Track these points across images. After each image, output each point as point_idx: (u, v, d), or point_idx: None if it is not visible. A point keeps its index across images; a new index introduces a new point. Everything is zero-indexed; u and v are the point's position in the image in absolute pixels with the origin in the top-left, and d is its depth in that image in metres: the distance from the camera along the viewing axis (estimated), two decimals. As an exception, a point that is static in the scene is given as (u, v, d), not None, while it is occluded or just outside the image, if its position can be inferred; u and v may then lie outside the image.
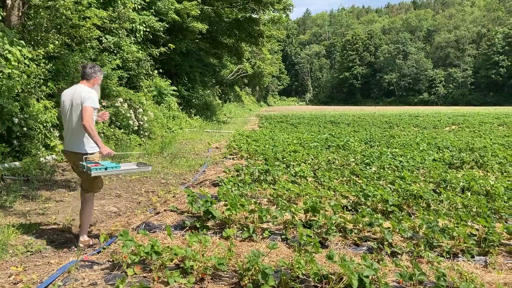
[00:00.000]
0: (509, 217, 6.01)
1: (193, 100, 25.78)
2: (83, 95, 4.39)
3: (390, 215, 5.71)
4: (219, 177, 7.72)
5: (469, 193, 6.80)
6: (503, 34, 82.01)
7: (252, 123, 28.43)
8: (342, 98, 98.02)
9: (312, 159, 9.70)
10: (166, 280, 3.47)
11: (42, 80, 10.00)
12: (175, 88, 20.19)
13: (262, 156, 9.61)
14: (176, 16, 20.23)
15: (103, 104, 12.91)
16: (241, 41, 28.78)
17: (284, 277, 3.51)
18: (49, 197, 6.48)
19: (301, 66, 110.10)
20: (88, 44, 12.24)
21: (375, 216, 5.04)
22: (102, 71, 4.84)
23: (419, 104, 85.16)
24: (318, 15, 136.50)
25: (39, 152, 9.16)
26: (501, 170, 9.27)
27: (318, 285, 3.59)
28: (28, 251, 4.23)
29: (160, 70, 20.33)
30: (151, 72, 18.66)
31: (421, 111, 45.90)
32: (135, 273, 3.55)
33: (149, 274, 3.59)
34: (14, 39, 8.86)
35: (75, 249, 4.40)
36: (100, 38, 14.23)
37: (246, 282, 3.45)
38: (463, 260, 4.47)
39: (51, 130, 9.87)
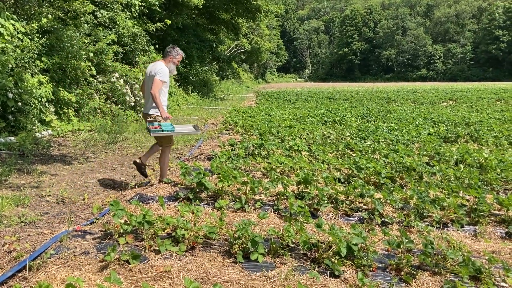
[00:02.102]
0: (501, 188, 6.08)
1: (190, 77, 25.60)
2: (157, 70, 5.46)
3: (383, 187, 5.76)
4: (213, 151, 7.74)
5: (462, 166, 6.84)
6: (504, 8, 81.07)
7: (250, 99, 28.32)
8: (341, 75, 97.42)
9: (308, 134, 9.72)
10: (157, 248, 3.53)
11: (36, 55, 9.92)
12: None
13: (257, 131, 9.61)
14: (172, -10, 19.93)
15: (99, 79, 12.85)
16: (238, 16, 28.38)
17: (274, 245, 3.56)
18: (44, 171, 6.51)
19: (300, 42, 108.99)
20: (83, 18, 12.09)
21: (367, 187, 5.08)
22: (179, 52, 5.76)
23: (417, 80, 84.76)
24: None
25: (34, 127, 9.16)
26: (496, 144, 9.31)
27: (307, 253, 3.64)
28: (22, 222, 4.27)
29: (157, 46, 20.12)
30: (147, 48, 18.46)
31: (419, 87, 45.72)
32: (127, 242, 3.61)
33: (141, 243, 3.64)
34: (7, 13, 8.76)
35: (72, 220, 4.45)
36: (95, 13, 14.06)
37: (236, 249, 3.51)
38: (453, 230, 4.54)
39: (46, 105, 9.84)
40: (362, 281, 3.07)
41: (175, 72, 5.93)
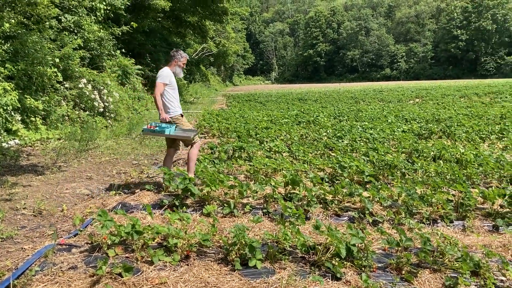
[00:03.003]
0: (480, 182, 6.17)
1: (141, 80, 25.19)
2: (158, 74, 5.69)
3: (367, 186, 5.75)
4: (192, 155, 7.56)
5: (441, 162, 6.92)
6: (461, 8, 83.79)
7: (220, 102, 28.14)
8: (307, 76, 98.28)
9: (285, 135, 9.66)
10: (150, 259, 3.36)
11: (-1, 61, 9.48)
12: (140, 67, 19.63)
13: (235, 133, 9.48)
14: (137, -7, 19.57)
15: (66, 85, 12.42)
16: (205, 18, 28.21)
17: (271, 250, 3.45)
18: (15, 182, 6.18)
19: (266, 44, 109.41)
20: (47, 23, 11.66)
21: (354, 186, 5.04)
22: (183, 54, 5.88)
23: (381, 80, 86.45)
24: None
25: (0, 137, 8.72)
26: (468, 139, 9.49)
27: (305, 256, 3.55)
28: (-1, 237, 4.01)
29: (123, 50, 19.71)
30: (113, 52, 18.04)
31: (384, 86, 46.58)
32: (117, 254, 3.42)
33: (132, 254, 3.47)
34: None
35: (49, 233, 4.20)
36: (59, 17, 13.60)
37: (234, 257, 3.38)
38: (442, 226, 4.55)
39: (12, 113, 9.40)
40: (367, 282, 3.00)
41: (182, 75, 6.03)
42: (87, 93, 12.53)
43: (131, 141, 10.60)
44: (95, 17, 16.24)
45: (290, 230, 3.60)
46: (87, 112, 12.37)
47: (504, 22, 79.45)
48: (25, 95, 10.00)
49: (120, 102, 15.23)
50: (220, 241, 3.69)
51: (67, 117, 11.84)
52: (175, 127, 5.67)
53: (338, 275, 3.20)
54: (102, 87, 13.40)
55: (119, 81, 17.15)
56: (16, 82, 9.85)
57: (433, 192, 5.06)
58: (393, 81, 78.51)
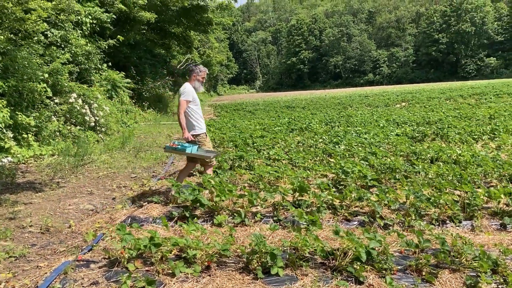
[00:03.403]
0: (481, 182, 6.27)
1: (143, 93, 25.08)
2: (181, 91, 5.68)
3: (371, 190, 5.79)
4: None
5: (440, 163, 7.01)
6: (441, 12, 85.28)
7: (208, 113, 28.11)
8: (291, 84, 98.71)
9: (281, 143, 9.69)
10: (171, 271, 3.34)
11: (-11, 79, 9.36)
12: (129, 80, 19.55)
13: (232, 143, 9.48)
14: (122, 6, 19.51)
15: (56, 101, 12.30)
16: (189, 29, 28.20)
17: (291, 257, 3.46)
18: (16, 200, 6.08)
19: (249, 53, 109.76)
20: (35, 38, 11.55)
21: (361, 190, 5.08)
22: (201, 69, 5.79)
23: (365, 85, 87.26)
24: (262, 1, 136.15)
25: (-7, 156, 8.59)
26: (461, 140, 9.64)
27: (324, 261, 3.56)
28: (10, 256, 3.93)
29: (110, 64, 19.61)
30: (99, 66, 17.93)
31: (369, 91, 46.99)
32: (137, 268, 3.39)
33: (151, 267, 3.44)
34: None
35: (60, 250, 4.15)
36: (45, 32, 13.49)
37: (255, 265, 3.37)
38: (452, 226, 4.60)
39: (4, 131, 9.27)
40: (392, 285, 3.02)
41: (202, 89, 5.91)
42: (78, 108, 12.42)
43: (126, 154, 10.53)
44: (81, 31, 16.16)
45: (308, 237, 3.61)
46: (78, 127, 12.25)
47: (482, 24, 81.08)
48: (16, 112, 9.88)
49: (109, 116, 15.13)
50: (238, 250, 3.68)
51: (58, 133, 11.71)
52: (198, 147, 5.60)
53: (361, 279, 3.21)
54: (92, 101, 13.30)
55: (108, 95, 17.07)
56: (7, 98, 9.73)
57: (438, 193, 5.13)
58: (376, 86, 79.37)
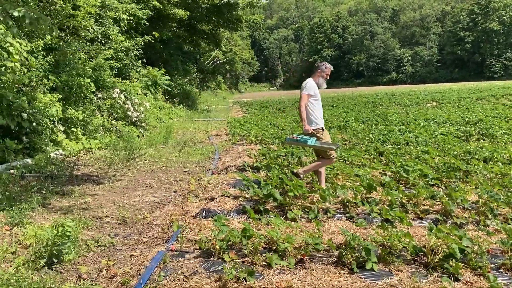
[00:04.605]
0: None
1: (173, 90, 25.35)
2: (303, 85, 5.82)
3: (448, 188, 5.76)
4: (245, 162, 7.61)
5: (500, 163, 6.94)
6: (467, 11, 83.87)
7: (235, 110, 28.24)
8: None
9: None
10: (266, 263, 3.41)
11: (43, 73, 9.60)
12: (169, 77, 19.77)
13: (277, 140, 9.54)
14: (157, 3, 19.77)
15: (99, 96, 12.54)
16: (219, 27, 28.37)
17: (383, 252, 3.50)
18: (81, 192, 6.24)
19: (270, 51, 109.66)
20: (82, 34, 11.80)
21: (431, 189, 5.08)
22: (327, 66, 5.91)
23: (388, 84, 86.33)
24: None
25: (48, 148, 8.83)
26: (509, 140, 9.51)
27: (415, 258, 3.59)
28: (99, 245, 4.07)
29: (144, 60, 19.87)
30: (134, 62, 18.19)
31: (395, 90, 46.50)
32: (232, 259, 3.47)
33: (245, 259, 3.52)
34: (15, 29, 8.46)
35: (144, 240, 4.27)
36: (87, 28, 13.77)
37: (351, 259, 3.42)
38: (527, 226, 4.56)
39: (56, 124, 9.52)
40: (496, 283, 3.04)
41: (325, 86, 5.96)
42: (121, 103, 12.66)
43: (170, 149, 10.68)
44: (119, 28, 16.42)
45: (398, 233, 3.64)
46: (123, 122, 12.48)
47: (511, 23, 79.40)
48: (66, 106, 10.13)
49: (148, 111, 15.35)
50: (325, 244, 3.73)
51: (101, 127, 11.95)
52: (316, 139, 5.68)
53: (459, 277, 3.24)
54: (134, 97, 13.52)
55: (146, 91, 17.30)
56: (58, 93, 9.98)
57: (508, 192, 5.10)
58: (400, 85, 78.48)
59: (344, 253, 3.49)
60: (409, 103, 25.02)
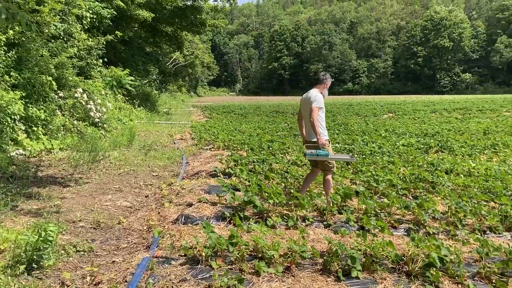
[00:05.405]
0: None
1: (133, 91, 24.92)
2: (312, 97, 5.58)
3: (418, 198, 5.96)
4: (216, 167, 7.59)
5: (462, 175, 7.27)
6: (421, 27, 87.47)
7: (196, 114, 28.06)
8: (272, 89, 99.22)
9: (294, 148, 9.86)
10: (254, 271, 3.43)
11: (4, 69, 9.21)
12: (133, 78, 19.37)
13: (246, 146, 9.58)
14: (121, 3, 19.39)
15: (60, 95, 12.14)
16: (182, 29, 28.16)
17: (367, 261, 3.60)
18: (49, 195, 6.02)
19: (230, 56, 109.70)
20: (46, 31, 11.39)
21: (402, 199, 5.27)
22: (329, 77, 5.94)
23: (344, 94, 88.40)
24: (245, 5, 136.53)
25: (8, 147, 8.46)
26: (466, 153, 9.97)
27: (395, 266, 3.71)
28: (78, 250, 3.95)
29: (105, 59, 19.41)
30: (95, 61, 17.74)
31: (350, 100, 47.62)
32: (220, 266, 3.47)
33: (232, 266, 3.52)
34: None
35: (123, 246, 4.18)
36: (51, 25, 13.31)
37: (337, 267, 3.50)
38: (493, 236, 4.82)
39: (17, 123, 9.14)
40: (474, 290, 3.19)
41: (326, 96, 5.88)
42: (83, 103, 12.31)
43: (135, 152, 10.48)
44: (81, 26, 15.99)
45: (377, 242, 3.76)
46: (85, 123, 12.14)
47: (460, 41, 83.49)
48: (28, 104, 9.75)
49: (109, 112, 15.00)
50: (310, 252, 3.79)
51: (62, 127, 11.57)
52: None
53: (440, 285, 3.38)
54: (96, 97, 13.19)
55: (109, 92, 16.89)
56: (20, 90, 9.59)
57: (477, 204, 5.36)
58: (356, 95, 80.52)
59: (329, 261, 3.56)
60: (367, 113, 25.74)
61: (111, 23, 19.75)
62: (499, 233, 4.85)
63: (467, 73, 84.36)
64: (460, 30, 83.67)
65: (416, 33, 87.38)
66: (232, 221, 4.72)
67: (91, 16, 16.33)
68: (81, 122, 12.43)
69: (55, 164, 8.47)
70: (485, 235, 4.83)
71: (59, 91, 12.08)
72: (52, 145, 9.83)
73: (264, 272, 3.41)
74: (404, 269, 3.64)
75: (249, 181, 6.15)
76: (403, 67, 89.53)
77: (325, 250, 3.90)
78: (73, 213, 5.22)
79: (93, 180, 7.36)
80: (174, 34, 28.87)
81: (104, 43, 17.65)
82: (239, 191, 5.77)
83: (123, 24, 21.82)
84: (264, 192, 5.12)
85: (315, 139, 5.56)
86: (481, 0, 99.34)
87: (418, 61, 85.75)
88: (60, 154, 9.40)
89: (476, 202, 5.52)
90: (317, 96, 5.60)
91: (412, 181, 6.63)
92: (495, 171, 7.45)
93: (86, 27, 16.47)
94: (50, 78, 11.03)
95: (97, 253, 3.96)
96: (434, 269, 3.50)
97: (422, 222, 4.82)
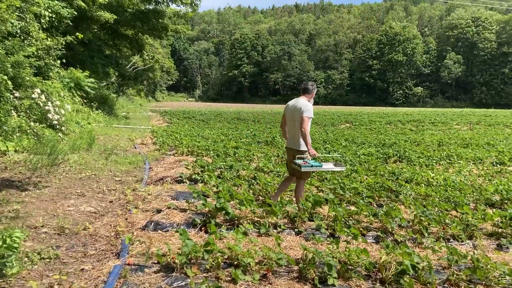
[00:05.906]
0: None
1: (91, 93, 24.28)
2: (303, 107, 5.53)
3: (384, 207, 6.08)
4: (182, 173, 7.48)
5: (423, 185, 7.50)
6: (376, 41, 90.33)
7: (156, 119, 27.62)
8: (231, 96, 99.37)
9: (259, 154, 9.87)
10: (230, 278, 3.38)
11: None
12: (93, 80, 18.82)
13: (211, 152, 9.50)
14: (82, 3, 18.88)
15: (16, 95, 11.64)
16: (143, 33, 27.76)
17: (343, 268, 3.62)
18: (6, 199, 5.72)
19: (190, 62, 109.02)
20: (3, 27, 10.90)
21: (371, 207, 5.37)
22: (315, 87, 5.97)
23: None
24: (206, 12, 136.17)
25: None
26: (424, 163, 10.31)
27: (369, 274, 3.76)
28: (42, 258, 3.75)
29: (63, 61, 18.80)
30: (53, 62, 17.16)
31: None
32: (195, 274, 3.40)
33: (208, 274, 3.46)
34: None
35: (91, 253, 4.02)
36: (7, 22, 12.76)
37: (313, 275, 3.50)
38: (456, 244, 4.98)
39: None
40: (447, 297, 3.28)
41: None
42: (41, 104, 11.85)
43: (95, 156, 10.17)
44: (39, 25, 15.44)
45: (353, 250, 3.80)
46: (43, 125, 11.68)
47: (412, 55, 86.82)
48: (-19, 104, 9.28)
49: (68, 114, 14.51)
50: (285, 259, 3.78)
51: (17, 129, 11.08)
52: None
53: (413, 291, 3.45)
54: (55, 99, 12.73)
55: (70, 93, 16.36)
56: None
57: (441, 213, 5.54)
58: (313, 105, 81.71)
59: (305, 268, 3.56)
60: (326, 123, 26.20)
61: (71, 23, 19.21)
62: (462, 241, 5.03)
63: (419, 87, 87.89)
64: (413, 45, 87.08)
65: (371, 47, 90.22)
66: (203, 228, 4.65)
67: (50, 15, 15.78)
68: (38, 123, 11.95)
69: (11, 167, 8.08)
70: (449, 243, 5.00)
71: (15, 91, 11.58)
72: (7, 147, 9.39)
73: (241, 280, 3.37)
74: (378, 277, 3.70)
75: (217, 188, 6.09)
76: (358, 79, 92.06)
77: (299, 257, 3.90)
78: (34, 218, 4.98)
79: (53, 184, 7.06)
80: (135, 37, 28.42)
81: (64, 43, 17.13)
82: (209, 197, 5.71)
83: (83, 25, 21.25)
84: (235, 199, 5.08)
85: (301, 148, 5.61)
86: (433, 17, 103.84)
87: (372, 74, 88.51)
88: (16, 157, 8.98)
89: (440, 211, 5.70)
90: (307, 106, 5.60)
91: (377, 189, 6.77)
92: (453, 181, 7.73)
93: (44, 26, 15.91)
94: (6, 77, 10.55)
95: (63, 261, 3.78)
96: (408, 276, 3.58)
97: (390, 230, 4.92)
